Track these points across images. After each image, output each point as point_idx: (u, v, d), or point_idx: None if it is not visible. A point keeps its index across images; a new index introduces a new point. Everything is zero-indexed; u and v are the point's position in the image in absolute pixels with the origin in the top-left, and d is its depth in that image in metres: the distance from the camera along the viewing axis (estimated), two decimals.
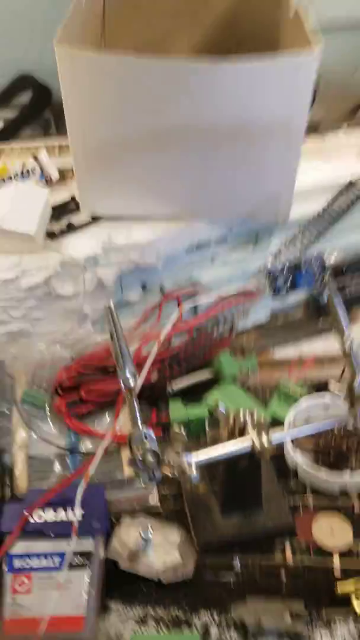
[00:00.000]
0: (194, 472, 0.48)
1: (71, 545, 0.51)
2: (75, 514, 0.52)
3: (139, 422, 0.49)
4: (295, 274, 0.58)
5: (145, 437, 0.48)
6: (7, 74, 1.05)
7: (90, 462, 0.51)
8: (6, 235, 0.69)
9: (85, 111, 0.65)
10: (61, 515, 0.57)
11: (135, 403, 0.48)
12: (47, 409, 0.69)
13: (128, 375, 0.47)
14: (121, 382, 0.48)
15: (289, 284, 0.58)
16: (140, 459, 0.48)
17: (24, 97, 1.06)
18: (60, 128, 1.14)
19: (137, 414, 0.49)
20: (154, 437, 0.49)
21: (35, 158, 0.81)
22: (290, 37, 0.72)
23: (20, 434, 0.66)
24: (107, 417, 0.70)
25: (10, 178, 0.79)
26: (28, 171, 0.80)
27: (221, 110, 0.65)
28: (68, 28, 0.65)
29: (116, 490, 0.63)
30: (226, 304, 0.62)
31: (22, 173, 0.80)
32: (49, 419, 0.68)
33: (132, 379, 0.47)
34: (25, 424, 0.67)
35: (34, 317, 0.74)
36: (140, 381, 0.48)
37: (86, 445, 0.67)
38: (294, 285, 0.58)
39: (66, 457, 0.66)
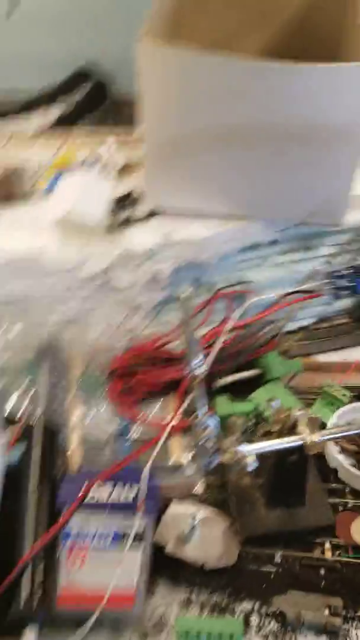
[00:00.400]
0: (250, 461, 0.50)
1: (135, 524, 0.53)
2: (138, 492, 0.54)
3: (202, 409, 0.50)
4: (356, 277, 0.59)
5: (207, 424, 0.50)
6: (67, 68, 1.07)
7: (149, 445, 0.54)
8: (72, 224, 0.72)
9: (162, 106, 0.67)
10: (115, 494, 0.59)
11: (200, 390, 0.50)
12: (102, 393, 0.71)
13: (197, 362, 0.49)
14: (189, 369, 0.50)
15: (349, 287, 0.59)
16: (201, 444, 0.50)
17: (82, 91, 1.09)
18: (113, 122, 1.17)
19: (201, 401, 0.50)
20: (215, 425, 0.51)
21: (99, 149, 0.83)
22: (357, 44, 0.73)
23: (75, 415, 0.69)
24: (156, 406, 0.72)
25: (75, 167, 0.81)
26: (92, 162, 0.82)
27: (290, 112, 0.67)
28: (149, 26, 0.67)
29: (164, 476, 0.65)
30: (289, 302, 0.64)
31: (86, 163, 0.82)
32: (102, 403, 0.71)
33: (200, 367, 0.49)
34: (81, 406, 0.69)
35: (91, 305, 0.77)
36: (205, 369, 0.50)
37: (136, 430, 0.69)
38: (355, 290, 0.59)
39: (117, 440, 0.68)
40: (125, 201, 0.79)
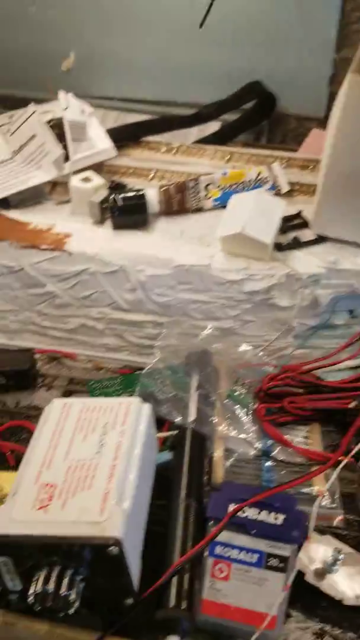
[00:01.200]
0: None
1: (282, 548, 0.54)
2: (287, 517, 0.56)
3: None
4: None
5: None
6: (239, 82, 1.09)
7: (312, 475, 0.54)
8: (244, 240, 0.73)
9: (356, 138, 0.67)
10: (262, 516, 0.60)
11: None
12: (249, 410, 0.72)
13: None
14: None
15: None
16: None
17: (250, 104, 1.10)
18: (271, 138, 1.18)
19: None
20: None
21: (270, 167, 0.84)
22: None
23: (221, 426, 0.70)
24: (302, 431, 0.72)
25: (246, 183, 0.83)
26: (262, 180, 0.83)
27: None
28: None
29: (304, 505, 0.65)
30: None
31: (256, 180, 0.83)
32: (248, 420, 0.72)
33: None
34: (227, 418, 0.71)
35: (245, 319, 0.78)
36: None
37: (280, 453, 0.70)
38: None
39: (260, 459, 0.69)
40: (293, 222, 0.80)
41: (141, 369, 0.80)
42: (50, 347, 0.84)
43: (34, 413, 0.76)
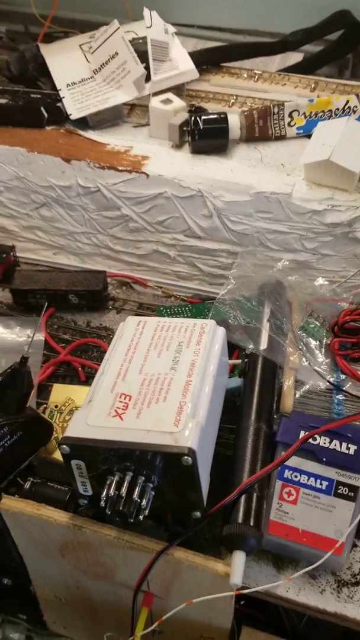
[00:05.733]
0: None
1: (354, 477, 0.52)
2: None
3: None
4: None
5: None
6: (327, 11, 1.03)
7: None
8: (330, 168, 0.70)
9: None
10: (334, 445, 0.59)
11: None
12: (322, 343, 0.70)
13: None
14: None
15: None
16: None
17: (336, 34, 1.04)
18: (356, 73, 1.12)
19: None
20: None
21: (358, 97, 0.80)
22: None
23: (292, 357, 0.69)
24: None
25: (333, 112, 0.79)
26: (350, 109, 0.79)
27: None
28: None
29: None
30: None
31: (343, 110, 0.79)
32: (321, 353, 0.70)
33: None
34: (299, 350, 0.69)
35: (324, 253, 0.76)
36: None
37: (351, 387, 0.68)
38: None
39: (330, 392, 0.68)
40: None
41: (211, 299, 0.79)
42: (122, 271, 0.84)
43: (104, 333, 0.77)
